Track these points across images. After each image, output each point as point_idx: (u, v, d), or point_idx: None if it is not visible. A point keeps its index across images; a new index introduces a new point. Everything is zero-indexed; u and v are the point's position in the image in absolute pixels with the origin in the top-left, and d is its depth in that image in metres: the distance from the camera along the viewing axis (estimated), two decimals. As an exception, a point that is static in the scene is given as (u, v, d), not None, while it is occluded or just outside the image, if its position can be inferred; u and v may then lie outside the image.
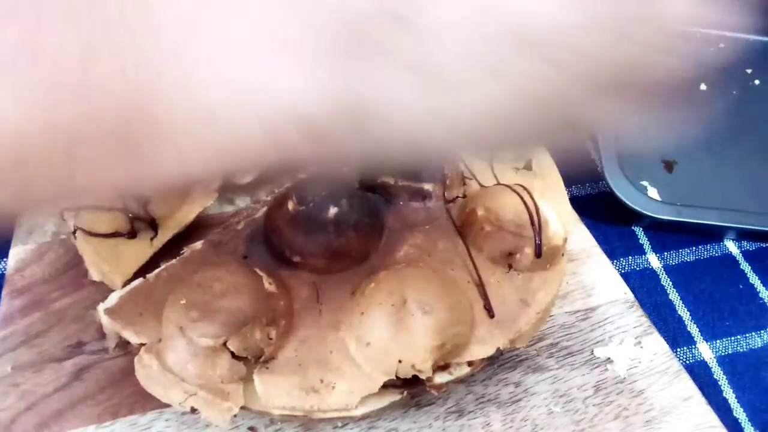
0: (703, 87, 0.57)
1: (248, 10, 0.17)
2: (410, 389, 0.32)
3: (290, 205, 0.34)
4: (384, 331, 0.30)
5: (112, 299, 0.33)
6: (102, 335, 0.34)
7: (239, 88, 0.17)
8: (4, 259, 0.39)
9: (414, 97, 0.17)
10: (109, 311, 0.32)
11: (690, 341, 0.42)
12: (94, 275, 0.35)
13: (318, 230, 0.34)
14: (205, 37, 0.17)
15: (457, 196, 0.39)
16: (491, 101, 0.18)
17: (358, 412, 0.31)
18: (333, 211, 0.34)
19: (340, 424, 0.33)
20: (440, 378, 0.32)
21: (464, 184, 0.40)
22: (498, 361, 0.37)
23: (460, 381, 0.34)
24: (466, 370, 0.33)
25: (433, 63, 0.17)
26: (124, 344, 0.33)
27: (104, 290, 0.34)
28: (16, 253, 0.38)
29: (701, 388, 0.37)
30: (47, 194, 0.19)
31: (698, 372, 0.40)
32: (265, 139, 0.18)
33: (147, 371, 0.30)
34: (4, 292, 0.36)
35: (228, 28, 0.17)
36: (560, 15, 0.17)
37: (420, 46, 0.17)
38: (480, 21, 0.17)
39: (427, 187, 0.38)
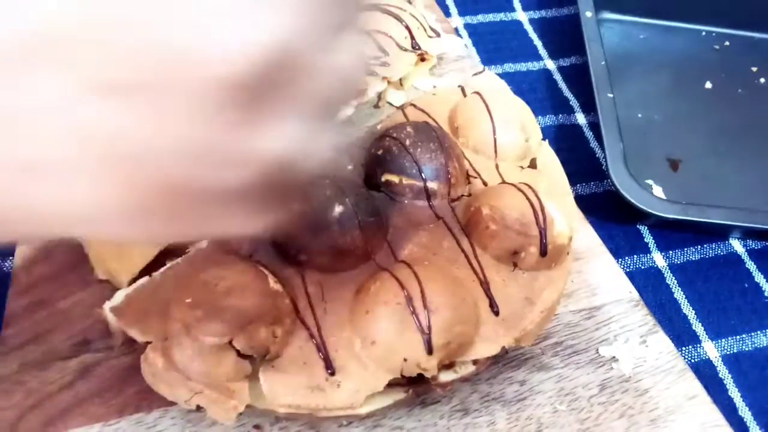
0: (708, 85, 0.57)
1: None
2: (415, 388, 0.32)
3: (295, 204, 0.34)
4: (389, 330, 0.30)
5: (118, 298, 0.33)
6: (108, 334, 0.34)
7: None
8: (10, 258, 0.39)
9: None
10: (114, 310, 0.32)
11: (695, 340, 0.42)
12: (100, 274, 0.35)
13: (323, 229, 0.34)
14: None
15: (462, 195, 0.39)
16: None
17: (363, 410, 0.31)
18: (338, 209, 0.34)
19: (345, 423, 0.33)
20: (445, 376, 0.32)
21: (469, 182, 0.40)
22: (503, 360, 0.37)
23: (465, 379, 0.34)
24: (471, 368, 0.33)
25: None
26: (129, 342, 0.33)
27: (110, 289, 0.34)
28: (22, 251, 0.38)
29: (706, 386, 0.37)
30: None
31: (703, 371, 0.40)
32: None
33: (153, 369, 0.30)
34: (10, 290, 0.37)
35: None
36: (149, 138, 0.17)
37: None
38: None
39: (432, 185, 0.37)
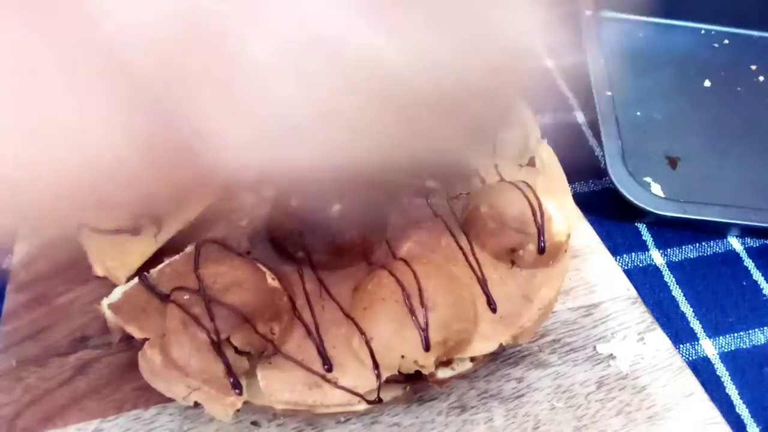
0: (707, 84, 0.57)
1: None
2: (413, 384, 0.32)
3: (294, 202, 0.34)
4: (387, 327, 0.30)
5: (116, 294, 0.33)
6: (106, 330, 0.34)
7: None
8: (9, 255, 0.39)
9: (249, 136, 0.18)
10: (113, 306, 0.32)
11: (693, 338, 0.42)
12: (98, 271, 0.35)
13: (321, 226, 0.34)
14: None
15: (461, 193, 0.39)
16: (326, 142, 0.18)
17: (361, 407, 0.31)
18: (336, 207, 0.34)
19: (342, 419, 0.33)
20: (443, 373, 0.32)
21: (467, 181, 0.40)
22: (500, 357, 0.37)
23: (462, 376, 0.34)
24: (468, 365, 0.33)
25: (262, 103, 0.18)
26: (127, 339, 0.33)
27: (108, 285, 0.34)
28: (21, 248, 0.38)
29: (704, 384, 0.37)
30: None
31: (701, 368, 0.40)
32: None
33: (150, 366, 0.30)
34: (8, 287, 0.37)
35: None
36: (387, 52, 0.17)
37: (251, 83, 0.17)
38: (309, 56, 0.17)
39: (431, 183, 0.38)
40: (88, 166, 0.19)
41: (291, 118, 0.18)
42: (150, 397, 0.32)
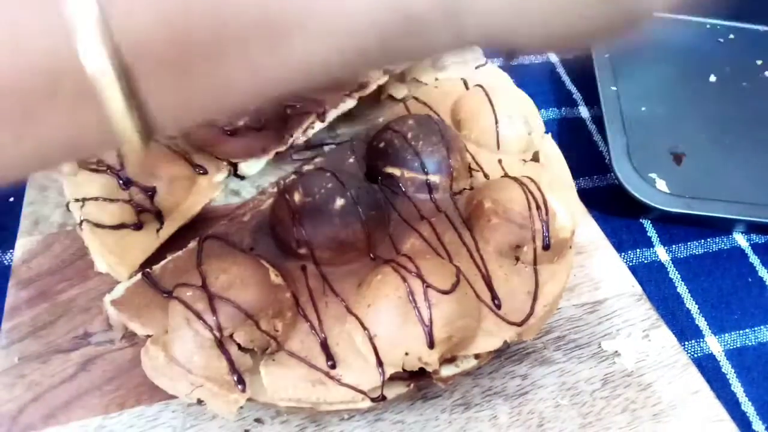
0: (712, 78, 0.57)
1: None
2: (417, 381, 0.32)
3: (297, 197, 0.34)
4: (391, 324, 0.30)
5: (119, 291, 0.33)
6: (108, 326, 0.34)
7: None
8: (11, 251, 0.39)
9: None
10: (115, 303, 0.32)
11: (698, 335, 0.42)
12: (101, 267, 0.35)
13: (324, 222, 0.33)
14: None
15: (464, 188, 0.38)
16: None
17: (365, 404, 0.31)
18: (339, 202, 0.33)
19: (346, 416, 0.33)
20: (447, 370, 0.32)
21: (471, 176, 0.39)
22: (505, 354, 0.36)
23: (466, 374, 0.34)
24: (473, 362, 0.33)
25: None
26: (130, 335, 0.33)
27: (110, 282, 0.34)
28: (23, 244, 0.38)
29: (709, 381, 0.37)
30: (202, 93, 0.20)
31: (706, 365, 0.40)
32: (373, 33, 0.20)
33: (153, 363, 0.30)
34: (10, 283, 0.36)
35: None
36: None
37: None
38: None
39: (434, 179, 0.37)
40: None
41: None
42: (153, 393, 0.32)
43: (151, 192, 0.36)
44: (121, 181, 0.36)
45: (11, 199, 0.42)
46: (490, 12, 0.20)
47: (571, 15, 0.21)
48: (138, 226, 0.35)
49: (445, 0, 0.20)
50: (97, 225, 0.35)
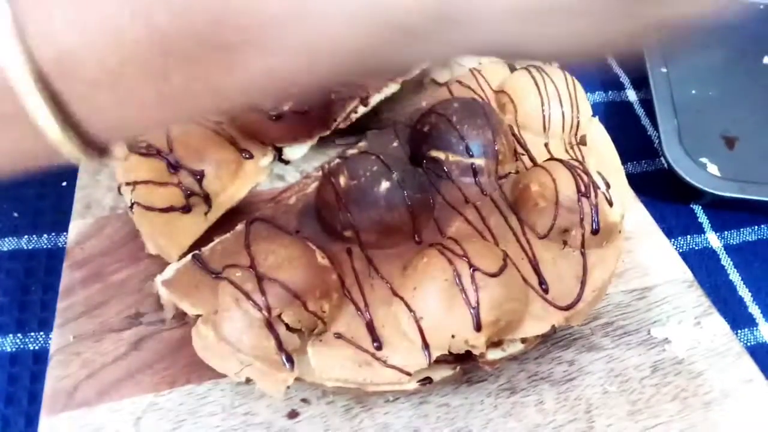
0: (766, 60, 0.55)
1: None
2: (463, 365, 0.32)
3: (342, 180, 0.34)
4: (437, 306, 0.30)
5: (169, 271, 0.33)
6: (159, 307, 0.34)
7: None
8: (65, 233, 0.40)
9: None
10: (166, 283, 0.33)
11: (751, 323, 0.40)
12: (151, 248, 0.35)
13: (369, 205, 0.33)
14: None
15: (510, 172, 0.38)
16: None
17: (411, 386, 0.31)
18: (385, 185, 0.33)
19: (391, 398, 0.33)
20: (493, 354, 0.32)
21: (517, 159, 0.39)
22: (551, 339, 0.36)
23: (513, 358, 0.34)
24: (519, 347, 0.33)
25: None
26: (181, 315, 0.34)
27: (161, 263, 0.35)
28: (76, 226, 0.39)
29: (763, 371, 0.36)
30: (144, 109, 0.19)
31: (760, 355, 0.39)
32: (353, 38, 0.19)
33: (203, 342, 0.30)
34: (65, 264, 0.37)
35: None
36: None
37: None
38: None
39: (479, 162, 0.37)
40: None
41: None
42: (203, 372, 0.33)
43: (199, 176, 0.36)
44: (170, 165, 0.36)
45: (64, 184, 0.43)
46: (491, 21, 0.19)
47: (584, 25, 0.19)
48: (187, 209, 0.36)
49: (438, 10, 0.18)
50: (148, 208, 0.36)
